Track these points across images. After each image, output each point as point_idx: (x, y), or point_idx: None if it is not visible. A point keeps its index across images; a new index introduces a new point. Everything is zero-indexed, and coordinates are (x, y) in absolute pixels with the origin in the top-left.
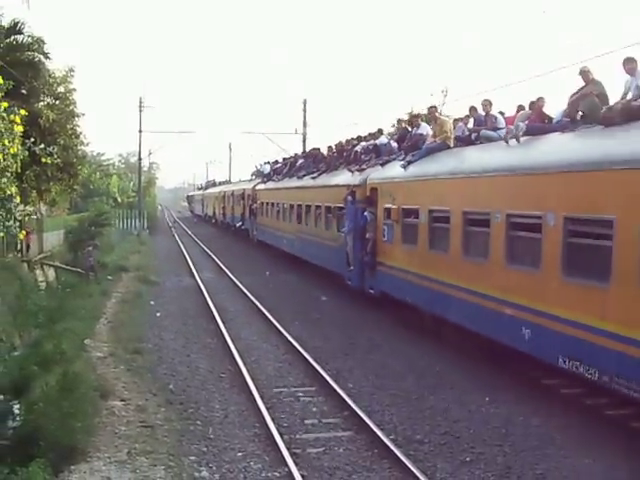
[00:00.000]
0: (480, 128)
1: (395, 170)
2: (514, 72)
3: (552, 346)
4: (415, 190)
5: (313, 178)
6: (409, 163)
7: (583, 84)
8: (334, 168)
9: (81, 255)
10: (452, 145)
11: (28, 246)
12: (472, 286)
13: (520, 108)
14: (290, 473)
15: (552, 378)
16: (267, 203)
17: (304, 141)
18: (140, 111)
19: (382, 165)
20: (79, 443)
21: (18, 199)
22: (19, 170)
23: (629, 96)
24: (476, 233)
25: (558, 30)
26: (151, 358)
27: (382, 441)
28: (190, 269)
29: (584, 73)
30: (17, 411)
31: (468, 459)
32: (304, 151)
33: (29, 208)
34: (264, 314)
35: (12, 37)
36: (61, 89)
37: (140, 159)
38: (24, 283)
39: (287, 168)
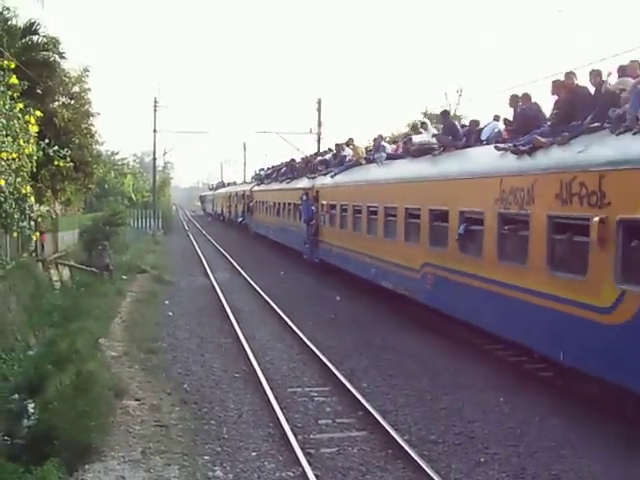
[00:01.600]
0: (373, 153)
1: (328, 179)
2: (529, 72)
3: (380, 275)
4: (334, 192)
5: (287, 182)
6: (335, 174)
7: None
8: (301, 175)
9: (95, 254)
10: (363, 163)
11: (43, 245)
12: (356, 248)
13: (404, 136)
14: (304, 473)
15: (566, 378)
16: (259, 202)
17: (319, 141)
18: (155, 111)
19: (324, 175)
20: (93, 442)
21: (32, 199)
22: (34, 170)
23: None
24: (358, 217)
25: (574, 29)
26: (165, 357)
27: (396, 441)
28: (203, 266)
29: (414, 126)
30: (32, 410)
31: (482, 459)
32: (318, 151)
33: (43, 208)
34: (278, 314)
35: (27, 37)
36: (76, 89)
37: (155, 159)
38: (39, 282)
39: (275, 174)
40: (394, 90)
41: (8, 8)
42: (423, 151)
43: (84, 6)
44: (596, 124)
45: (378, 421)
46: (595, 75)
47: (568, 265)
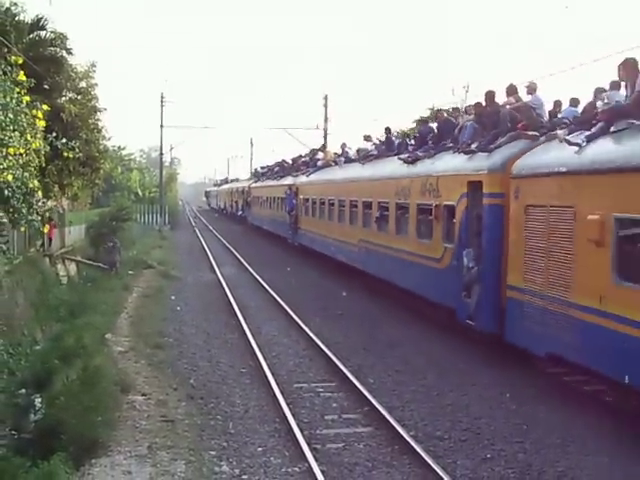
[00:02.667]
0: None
1: (304, 178)
2: (535, 68)
3: (336, 251)
4: (308, 188)
5: (276, 179)
6: (310, 174)
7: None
8: (288, 173)
9: (102, 250)
10: (333, 165)
11: (50, 240)
12: (321, 232)
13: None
14: (310, 469)
15: (573, 375)
16: (255, 197)
17: (325, 137)
18: (162, 106)
19: (303, 174)
20: (100, 437)
21: (40, 193)
22: (42, 165)
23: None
24: (322, 208)
25: (580, 25)
26: (172, 353)
27: (402, 437)
28: (206, 254)
29: (366, 137)
30: (39, 404)
31: (489, 456)
32: (324, 146)
33: (51, 203)
34: (284, 309)
35: (35, 33)
36: (83, 84)
37: (162, 154)
38: (46, 277)
39: (269, 172)
40: (402, 86)
41: (16, 3)
42: (367, 157)
43: (91, 1)
44: (451, 144)
45: (384, 417)
46: (455, 111)
47: (425, 234)
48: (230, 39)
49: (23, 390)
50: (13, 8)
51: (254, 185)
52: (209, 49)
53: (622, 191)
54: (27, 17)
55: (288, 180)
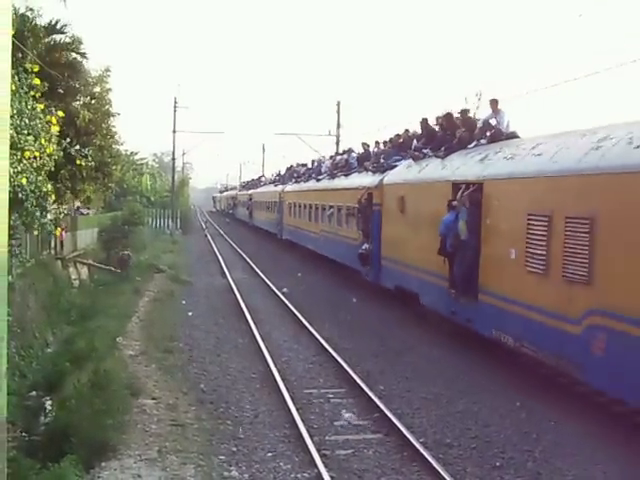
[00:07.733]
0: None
1: (255, 190)
2: (548, 76)
3: (263, 225)
4: (255, 196)
5: (246, 190)
6: (258, 187)
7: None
8: (250, 188)
9: (114, 254)
10: (267, 183)
11: (62, 244)
12: (260, 217)
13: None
14: (319, 475)
15: (583, 385)
16: (239, 200)
17: (337, 143)
18: (174, 111)
19: (257, 188)
20: (110, 440)
21: (53, 197)
22: (52, 169)
23: None
24: (259, 205)
25: (594, 34)
26: (182, 357)
27: (412, 444)
28: (218, 260)
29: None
30: (49, 407)
31: (498, 464)
32: (337, 152)
33: (63, 207)
34: (294, 313)
35: (51, 37)
36: (97, 89)
37: (174, 159)
38: (58, 281)
39: (247, 185)
40: (414, 92)
41: (32, 9)
42: (273, 181)
43: (105, 5)
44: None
45: (394, 423)
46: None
47: (273, 211)
48: (243, 44)
49: (34, 392)
50: (29, 14)
51: (239, 193)
52: (222, 54)
53: (293, 195)
54: (42, 21)
55: (250, 191)
